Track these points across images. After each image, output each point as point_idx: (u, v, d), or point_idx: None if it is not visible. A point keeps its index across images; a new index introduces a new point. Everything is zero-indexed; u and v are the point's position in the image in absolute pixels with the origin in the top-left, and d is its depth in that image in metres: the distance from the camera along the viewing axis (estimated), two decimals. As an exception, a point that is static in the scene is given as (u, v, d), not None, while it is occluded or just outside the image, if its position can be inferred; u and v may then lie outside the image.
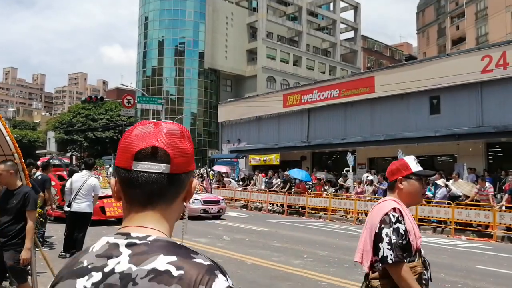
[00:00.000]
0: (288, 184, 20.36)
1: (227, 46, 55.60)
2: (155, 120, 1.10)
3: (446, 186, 14.98)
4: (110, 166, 30.37)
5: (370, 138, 23.89)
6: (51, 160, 15.49)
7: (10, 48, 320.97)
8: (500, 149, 20.59)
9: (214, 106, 51.82)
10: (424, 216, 14.52)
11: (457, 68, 20.65)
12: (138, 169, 1.03)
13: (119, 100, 36.81)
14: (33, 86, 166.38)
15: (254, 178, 24.30)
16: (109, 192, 14.24)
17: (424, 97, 22.50)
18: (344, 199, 17.69)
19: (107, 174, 19.48)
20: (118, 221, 13.85)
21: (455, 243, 12.23)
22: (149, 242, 0.99)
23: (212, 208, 16.65)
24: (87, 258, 1.02)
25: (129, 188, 1.05)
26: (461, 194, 14.28)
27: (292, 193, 19.65)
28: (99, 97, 32.24)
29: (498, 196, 14.85)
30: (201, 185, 19.01)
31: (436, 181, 15.33)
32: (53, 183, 12.86)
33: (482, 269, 8.67)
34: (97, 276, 0.98)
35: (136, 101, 33.80)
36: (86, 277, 0.99)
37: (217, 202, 17.23)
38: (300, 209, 19.12)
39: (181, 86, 55.92)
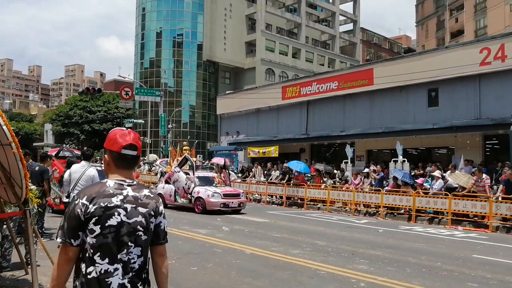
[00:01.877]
0: (287, 176, 20.44)
1: (226, 38, 55.42)
2: (126, 129, 2.46)
3: (443, 177, 15.10)
4: None
5: (369, 130, 23.99)
6: (61, 152, 15.30)
7: (5, 40, 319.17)
8: (497, 142, 20.68)
9: (212, 99, 51.75)
10: (421, 207, 14.65)
11: (455, 60, 20.71)
12: (123, 153, 2.34)
13: (117, 92, 36.81)
14: (29, 78, 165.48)
15: (253, 170, 24.38)
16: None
17: (422, 89, 22.57)
18: (342, 190, 17.80)
19: None
20: None
21: (452, 233, 12.36)
22: (136, 184, 2.36)
23: (232, 202, 15.82)
24: (110, 189, 2.28)
25: (118, 161, 2.36)
26: (456, 185, 14.39)
27: (291, 184, 19.74)
28: (96, 88, 32.21)
29: (495, 187, 14.96)
30: (220, 178, 17.84)
31: (433, 173, 15.45)
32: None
33: (478, 258, 8.79)
34: (121, 197, 2.26)
35: (134, 93, 33.82)
36: (115, 197, 2.25)
37: (237, 195, 16.37)
38: (299, 201, 19.22)
39: (180, 78, 55.79)
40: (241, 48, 56.33)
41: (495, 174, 16.37)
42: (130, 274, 2.26)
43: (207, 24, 54.32)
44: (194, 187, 15.91)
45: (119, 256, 2.23)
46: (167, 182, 17.34)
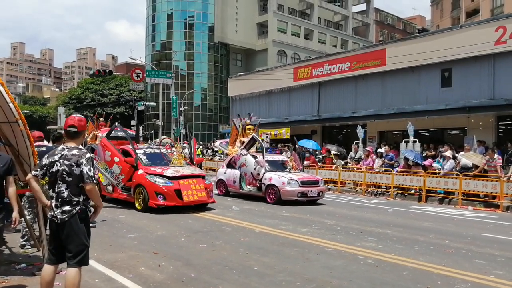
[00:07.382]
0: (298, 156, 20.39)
1: (237, 19, 54.97)
2: (75, 115, 4.39)
3: (454, 158, 14.99)
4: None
5: (381, 111, 23.79)
6: (113, 132, 12.90)
7: (18, 24, 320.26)
8: (511, 122, 20.39)
9: (224, 81, 51.67)
10: (432, 187, 14.60)
11: (470, 39, 20.33)
12: (67, 129, 4.27)
13: (128, 74, 36.88)
14: (41, 61, 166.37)
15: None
16: (185, 171, 11.89)
17: (435, 69, 22.25)
18: (353, 171, 17.78)
19: (182, 149, 15.12)
20: (196, 207, 11.71)
21: (462, 213, 12.33)
22: (71, 147, 4.22)
23: (311, 191, 13.54)
24: (57, 151, 4.23)
25: (66, 134, 4.33)
26: (471, 166, 14.28)
27: (302, 165, 19.72)
28: (107, 70, 32.36)
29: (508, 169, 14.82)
30: (292, 162, 15.01)
31: (444, 153, 15.35)
32: (116, 159, 11.91)
33: (487, 236, 8.79)
34: (59, 155, 4.19)
35: (145, 75, 33.90)
36: (57, 155, 4.20)
37: (316, 183, 13.97)
38: (309, 182, 19.21)
39: (191, 61, 55.65)
40: (252, 29, 55.88)
41: (505, 154, 16.21)
42: (59, 199, 4.10)
43: (218, 5, 53.90)
44: (264, 173, 13.86)
45: (56, 189, 4.14)
46: (230, 166, 15.43)
